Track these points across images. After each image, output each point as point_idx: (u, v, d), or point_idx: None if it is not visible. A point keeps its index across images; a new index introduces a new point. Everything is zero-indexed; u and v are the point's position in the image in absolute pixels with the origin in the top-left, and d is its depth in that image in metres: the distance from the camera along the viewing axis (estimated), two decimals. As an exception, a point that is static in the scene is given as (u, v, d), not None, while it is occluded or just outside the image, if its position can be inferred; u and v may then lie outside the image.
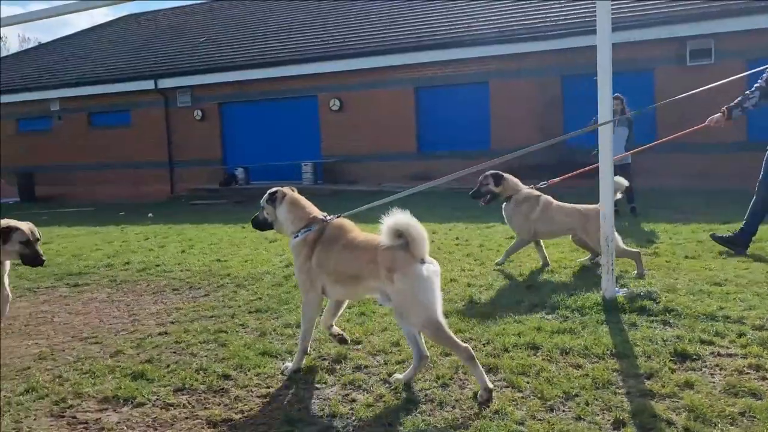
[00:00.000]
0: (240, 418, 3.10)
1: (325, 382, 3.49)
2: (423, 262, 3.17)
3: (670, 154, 12.17)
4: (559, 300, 4.78)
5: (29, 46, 40.32)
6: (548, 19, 15.29)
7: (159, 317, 5.22)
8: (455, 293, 5.26)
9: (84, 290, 6.39)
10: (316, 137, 18.02)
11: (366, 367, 3.68)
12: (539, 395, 3.11)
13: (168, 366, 3.91)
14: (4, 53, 41.20)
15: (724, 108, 6.03)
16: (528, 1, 16.56)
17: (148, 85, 19.68)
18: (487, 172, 6.25)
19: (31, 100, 21.78)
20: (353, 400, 3.22)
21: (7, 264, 4.55)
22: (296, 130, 18.27)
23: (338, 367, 3.71)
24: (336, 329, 3.97)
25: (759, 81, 6.25)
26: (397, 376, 3.41)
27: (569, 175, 6.40)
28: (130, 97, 20.18)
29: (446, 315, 4.53)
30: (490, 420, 2.88)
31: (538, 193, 6.22)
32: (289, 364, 3.68)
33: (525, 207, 6.13)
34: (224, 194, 17.65)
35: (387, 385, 3.38)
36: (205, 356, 4.06)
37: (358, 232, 3.67)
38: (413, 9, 18.57)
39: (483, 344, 3.93)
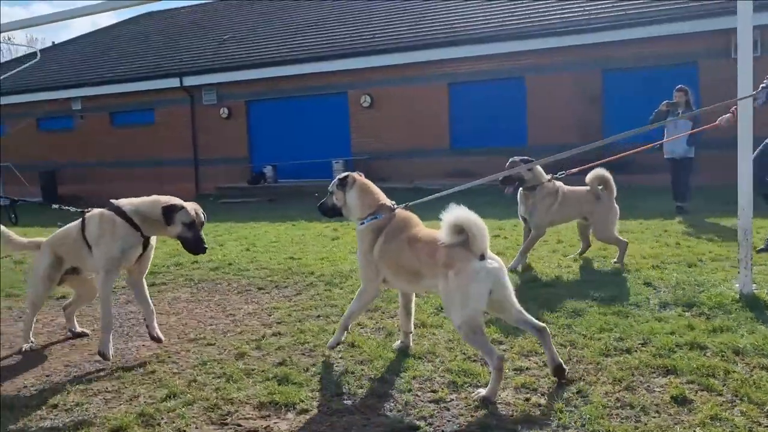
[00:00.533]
0: (426, 426, 2.87)
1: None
2: (483, 258, 3.10)
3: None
4: (689, 296, 4.56)
5: (38, 48, 39.95)
6: (587, 13, 15.04)
7: (259, 317, 5.00)
8: (568, 290, 5.04)
9: (163, 289, 6.17)
10: (345, 134, 17.79)
11: (527, 369, 3.46)
12: (746, 399, 2.89)
13: (307, 369, 3.69)
14: (12, 55, 40.81)
15: (733, 108, 5.87)
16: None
17: (173, 83, 19.43)
18: (516, 158, 6.13)
19: (51, 99, 21.55)
20: (539, 405, 3.00)
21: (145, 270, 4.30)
22: (326, 127, 18.03)
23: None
24: (408, 340, 3.93)
25: (766, 80, 6.07)
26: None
27: (591, 165, 6.04)
28: (155, 96, 19.96)
29: (578, 313, 4.34)
30: (712, 426, 2.66)
31: (558, 184, 6.14)
32: (331, 340, 3.91)
33: (548, 200, 6.04)
34: (254, 192, 17.42)
35: (567, 389, 3.16)
36: (341, 358, 3.84)
37: (422, 227, 3.62)
38: (446, 3, 18.30)
39: (640, 344, 3.70)
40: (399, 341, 3.95)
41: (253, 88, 18.77)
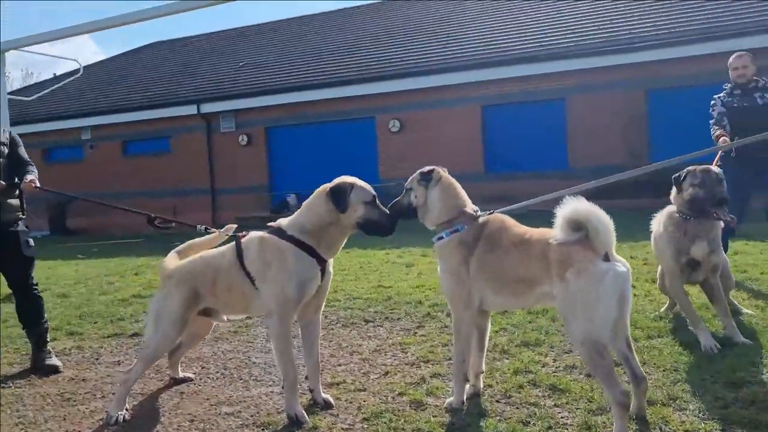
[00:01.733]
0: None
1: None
2: (607, 259, 2.60)
3: None
4: None
5: (33, 82, 39.26)
6: (630, 31, 14.59)
7: (393, 354, 4.19)
8: None
9: (248, 324, 5.30)
10: (373, 160, 17.08)
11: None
12: None
13: (526, 422, 2.87)
14: (8, 89, 39.90)
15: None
16: (604, 14, 15.89)
17: (190, 110, 18.72)
18: (709, 167, 3.99)
19: (60, 129, 20.79)
20: None
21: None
22: (352, 153, 17.31)
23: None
24: (479, 384, 3.29)
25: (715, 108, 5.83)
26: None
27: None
28: (169, 123, 19.21)
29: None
30: None
31: None
32: (452, 399, 3.13)
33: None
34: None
35: None
36: (555, 406, 3.02)
37: (524, 227, 3.07)
38: (479, 24, 17.84)
39: None
40: (468, 386, 3.22)
41: (274, 114, 18.10)
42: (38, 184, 4.15)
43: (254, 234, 3.30)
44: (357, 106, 17.02)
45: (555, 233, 2.73)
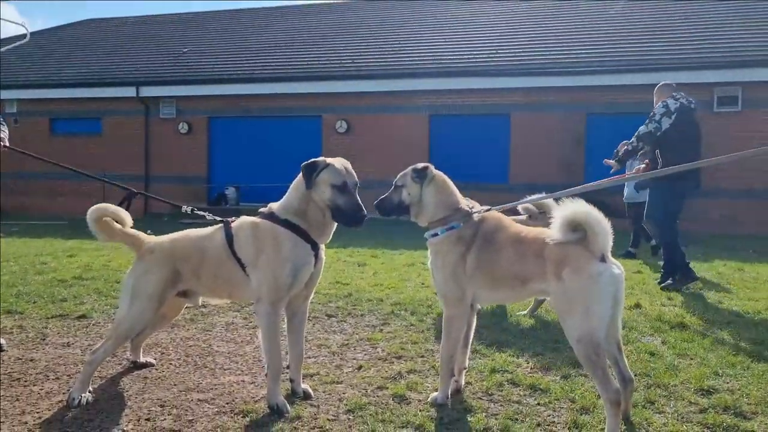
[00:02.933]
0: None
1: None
2: (603, 260, 2.66)
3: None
4: None
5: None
6: (573, 56, 15.13)
7: (363, 350, 4.14)
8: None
9: (206, 313, 5.10)
10: (317, 159, 16.93)
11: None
12: None
13: (515, 418, 2.89)
14: None
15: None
16: (552, 37, 16.41)
17: (128, 92, 17.96)
18: None
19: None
20: None
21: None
22: (296, 150, 16.96)
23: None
24: (461, 380, 3.31)
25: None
26: None
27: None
28: (103, 104, 18.35)
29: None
30: None
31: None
32: (437, 394, 3.11)
33: None
34: (217, 214, 16.09)
35: None
36: (539, 404, 3.06)
37: (520, 225, 3.12)
38: (432, 33, 18.03)
39: None
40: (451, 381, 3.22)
41: (218, 104, 17.63)
42: (6, 143, 3.86)
43: (246, 219, 3.18)
44: (304, 103, 16.85)
45: (552, 233, 2.77)
